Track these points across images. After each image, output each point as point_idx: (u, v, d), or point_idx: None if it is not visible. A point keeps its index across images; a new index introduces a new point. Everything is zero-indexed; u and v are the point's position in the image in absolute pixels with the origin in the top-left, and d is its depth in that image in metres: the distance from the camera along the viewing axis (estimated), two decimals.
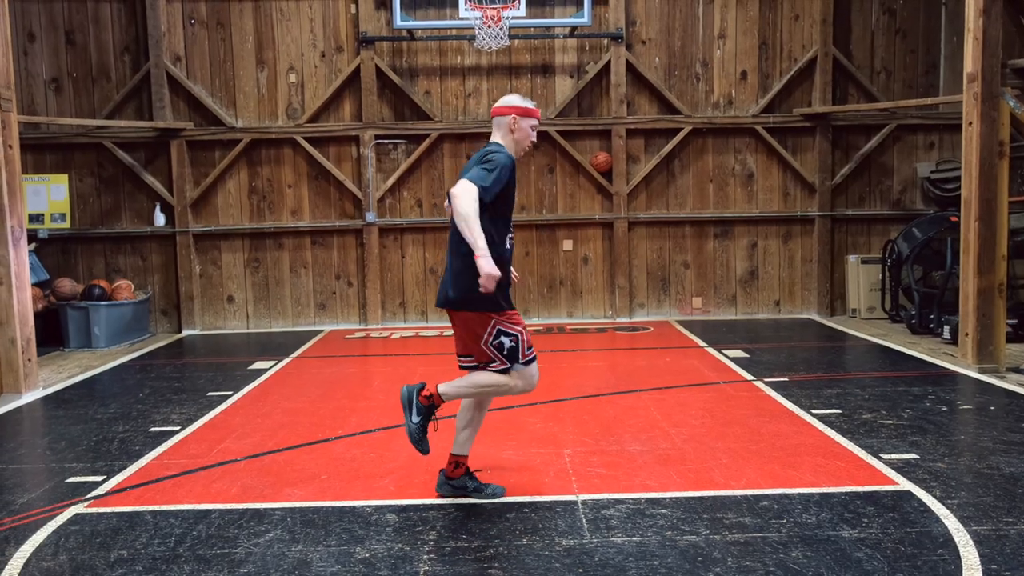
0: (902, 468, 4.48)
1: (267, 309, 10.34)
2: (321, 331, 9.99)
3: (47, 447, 5.36)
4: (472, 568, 3.37)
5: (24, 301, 6.90)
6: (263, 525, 3.88)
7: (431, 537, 3.69)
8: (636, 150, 10.30)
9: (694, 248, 10.44)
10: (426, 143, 10.06)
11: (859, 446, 4.89)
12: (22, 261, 6.90)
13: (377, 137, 10.09)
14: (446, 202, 3.96)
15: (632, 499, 4.10)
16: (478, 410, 4.20)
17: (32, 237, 10.10)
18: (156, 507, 4.15)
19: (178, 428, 5.68)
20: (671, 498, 4.11)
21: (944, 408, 5.75)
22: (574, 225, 10.36)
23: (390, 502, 4.15)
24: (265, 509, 4.09)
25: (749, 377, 6.88)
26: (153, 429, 5.69)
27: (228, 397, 6.57)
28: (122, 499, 4.29)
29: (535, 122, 4.09)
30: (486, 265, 3.60)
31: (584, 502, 4.08)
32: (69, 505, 4.21)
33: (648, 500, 4.09)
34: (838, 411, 5.72)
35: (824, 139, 10.24)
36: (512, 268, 4.15)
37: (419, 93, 10.17)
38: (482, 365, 4.03)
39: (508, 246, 4.02)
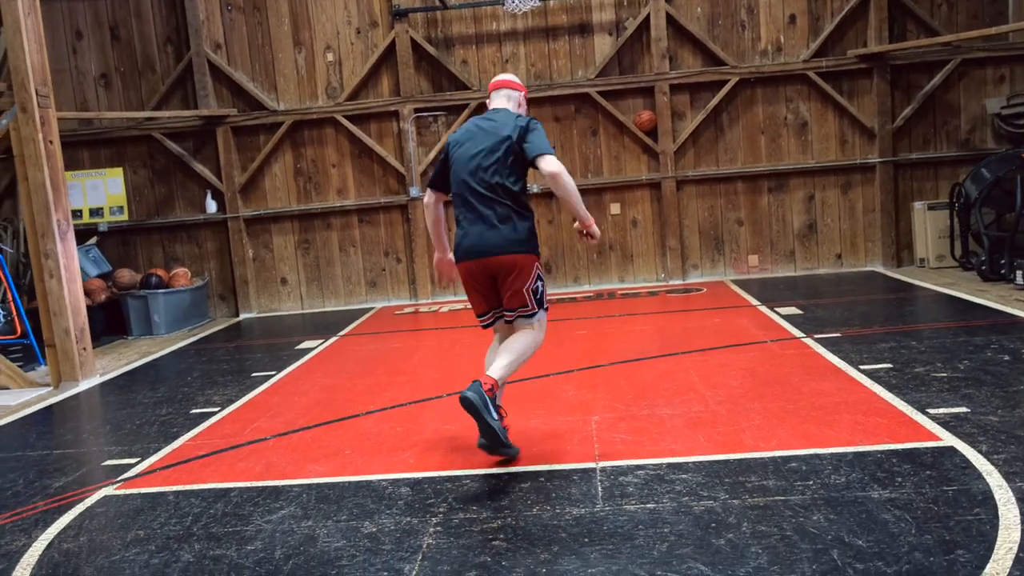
0: (949, 423, 4.20)
1: (319, 289, 10.45)
2: (372, 308, 10.05)
3: (93, 432, 5.52)
4: (476, 540, 3.29)
5: (75, 293, 7.11)
6: (279, 502, 3.88)
7: (441, 510, 3.63)
8: (681, 106, 9.96)
9: (747, 204, 10.07)
10: (465, 113, 9.94)
11: (905, 401, 4.61)
12: (70, 254, 7.09)
13: (416, 110, 10.02)
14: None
15: (653, 465, 3.96)
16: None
17: (93, 231, 10.45)
18: (180, 487, 4.21)
19: (217, 409, 5.76)
20: (694, 462, 3.94)
21: (1006, 358, 5.38)
22: (621, 188, 10.11)
23: (406, 475, 4.10)
24: (283, 486, 4.10)
25: (799, 334, 6.59)
26: (194, 411, 5.79)
27: (271, 377, 6.65)
28: (150, 480, 4.37)
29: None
30: (596, 230, 4.37)
31: (603, 469, 3.95)
32: (100, 487, 4.30)
33: (669, 465, 3.93)
34: (888, 366, 5.42)
35: (882, 80, 9.69)
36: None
37: (456, 63, 10.04)
38: (502, 316, 4.21)
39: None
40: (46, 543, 3.62)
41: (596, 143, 10.09)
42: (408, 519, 3.56)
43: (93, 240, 10.45)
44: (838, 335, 6.46)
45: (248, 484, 4.16)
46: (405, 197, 10.16)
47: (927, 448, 3.88)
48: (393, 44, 9.93)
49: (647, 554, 3.05)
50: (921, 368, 5.29)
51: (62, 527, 3.80)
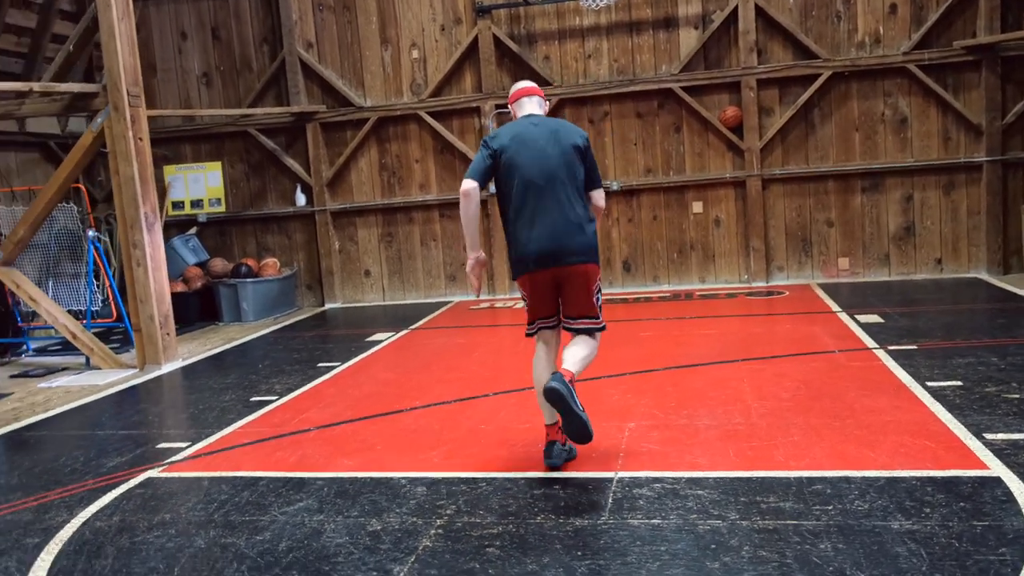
0: (1004, 450, 3.89)
1: (401, 281, 10.66)
2: (450, 302, 10.18)
3: (159, 414, 5.83)
4: (471, 546, 3.29)
5: (160, 281, 7.51)
6: (300, 494, 3.99)
7: (448, 512, 3.64)
8: (770, 101, 9.60)
9: (839, 204, 9.61)
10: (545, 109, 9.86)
11: (963, 423, 4.30)
12: (156, 244, 7.49)
13: (497, 107, 10.04)
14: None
15: (671, 478, 3.84)
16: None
17: (193, 221, 11.01)
18: (216, 473, 4.39)
19: (275, 398, 5.97)
20: (714, 478, 3.80)
21: None
22: (704, 186, 9.84)
23: (426, 474, 4.14)
24: (308, 479, 4.21)
25: (872, 345, 6.25)
26: (254, 399, 6.02)
27: (334, 368, 6.83)
28: (192, 465, 4.58)
29: None
30: None
31: (620, 480, 3.87)
32: (147, 469, 4.54)
33: (689, 480, 3.81)
34: (958, 383, 5.06)
35: (992, 74, 9.04)
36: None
37: (538, 59, 10.01)
38: (561, 325, 4.09)
39: None
40: (83, 520, 3.86)
41: (679, 140, 9.85)
42: (414, 519, 3.59)
43: (193, 230, 11.01)
44: (914, 347, 6.08)
45: (277, 474, 4.30)
46: (485, 193, 10.18)
47: (969, 477, 3.61)
48: (476, 41, 9.99)
49: (634, 572, 2.97)
50: (993, 388, 4.92)
51: (102, 506, 4.04)
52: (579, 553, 3.15)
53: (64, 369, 7.72)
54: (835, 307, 7.93)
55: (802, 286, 9.38)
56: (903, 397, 4.86)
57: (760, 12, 9.40)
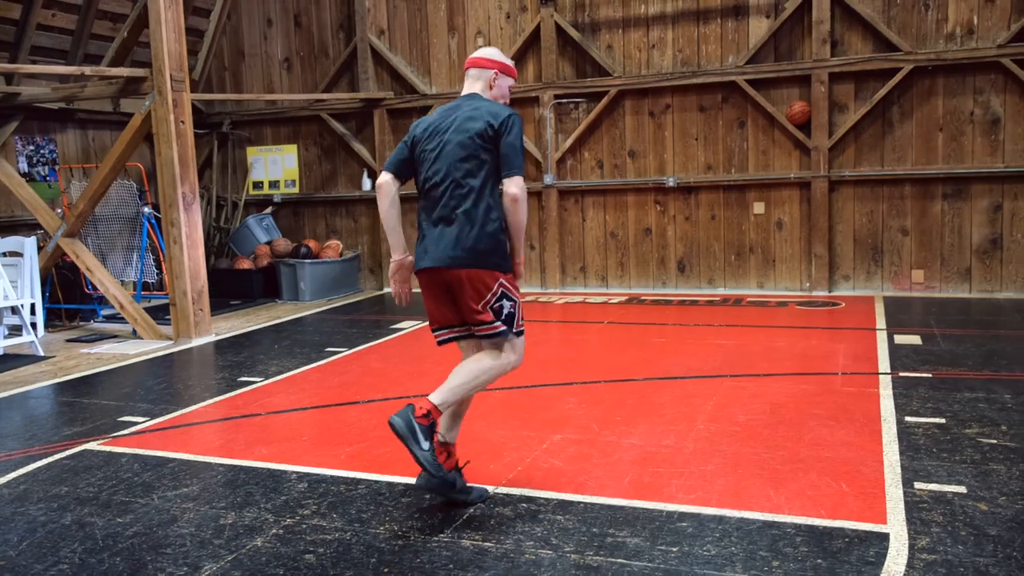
0: (920, 503, 3.43)
1: None
2: None
3: (149, 388, 6.13)
4: (295, 550, 3.25)
5: (196, 259, 7.88)
6: (193, 480, 4.08)
7: (305, 512, 3.61)
8: (843, 97, 8.88)
9: (916, 211, 8.79)
10: (604, 100, 9.61)
11: (905, 467, 3.83)
12: (194, 223, 7.86)
13: (556, 97, 9.85)
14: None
15: (544, 499, 3.64)
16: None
17: (270, 201, 11.49)
18: (141, 451, 4.56)
19: (260, 380, 6.14)
20: (586, 503, 3.57)
21: None
22: (767, 185, 9.26)
23: (319, 470, 4.13)
24: (214, 464, 4.30)
25: (883, 370, 5.68)
26: (242, 378, 6.22)
27: (337, 354, 6.95)
28: (129, 441, 4.78)
29: (512, 82, 3.84)
30: (523, 271, 3.71)
31: (493, 496, 3.70)
32: (90, 441, 4.79)
33: (558, 503, 3.59)
34: (940, 420, 4.52)
35: None
36: None
37: (600, 48, 9.72)
38: (467, 333, 3.68)
39: None
40: None
41: (743, 136, 9.31)
42: (268, 516, 3.59)
43: (269, 210, 11.50)
44: (928, 375, 5.48)
45: (190, 457, 4.42)
46: (540, 184, 10.06)
47: (855, 530, 3.20)
48: (538, 29, 9.81)
49: None
50: (975, 429, 4.35)
51: (21, 474, 4.28)
52: (384, 570, 3.04)
53: (113, 337, 8.27)
54: (881, 324, 7.27)
55: (865, 298, 8.66)
56: (865, 432, 4.38)
57: (837, 0, 8.69)
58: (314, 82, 11.12)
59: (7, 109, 9.12)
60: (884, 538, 3.13)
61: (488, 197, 3.52)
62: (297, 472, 4.13)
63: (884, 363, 5.87)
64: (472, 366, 3.56)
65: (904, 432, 4.34)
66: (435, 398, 3.45)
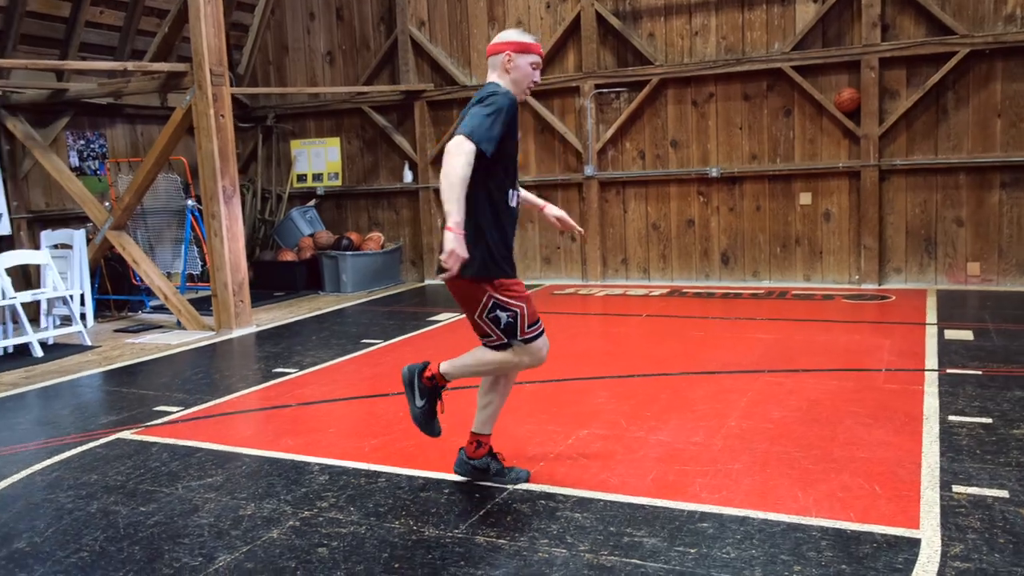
0: (956, 508, 3.27)
1: None
2: (540, 285, 10.04)
3: (186, 377, 6.21)
4: (309, 543, 3.24)
5: (236, 251, 7.97)
6: (219, 470, 4.11)
7: (323, 504, 3.60)
8: (895, 83, 8.58)
9: (972, 201, 8.45)
10: (646, 90, 9.44)
11: (944, 469, 3.67)
12: (234, 216, 7.95)
13: (597, 86, 9.72)
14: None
15: (563, 496, 3.57)
16: (498, 385, 3.74)
17: (313, 193, 11.59)
18: (172, 440, 4.61)
19: (294, 371, 6.18)
20: (605, 501, 3.49)
21: None
22: (814, 175, 9.01)
23: (342, 463, 4.13)
24: (241, 454, 4.32)
25: (930, 366, 5.47)
26: (277, 369, 6.27)
27: (372, 346, 6.96)
28: (161, 430, 4.84)
29: (535, 58, 3.50)
30: (452, 239, 3.10)
31: (512, 492, 3.65)
32: (123, 430, 4.86)
33: (577, 500, 3.52)
34: (986, 420, 4.32)
35: None
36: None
37: (642, 36, 9.55)
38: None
39: (514, 203, 3.51)
40: (29, 472, 4.19)
41: (788, 124, 9.06)
42: (287, 508, 3.59)
43: (312, 202, 11.60)
44: (978, 372, 5.26)
45: (218, 447, 4.45)
46: (580, 176, 9.94)
47: (885, 535, 3.06)
48: (578, 18, 9.69)
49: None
50: (1023, 430, 4.15)
51: (56, 461, 4.37)
52: (395, 566, 3.01)
53: (159, 327, 8.43)
54: (932, 319, 7.01)
55: (917, 292, 8.37)
56: (905, 431, 4.21)
57: None
58: (356, 75, 11.16)
59: (58, 105, 9.34)
60: (915, 544, 2.99)
61: (471, 201, 3.29)
62: (320, 464, 4.12)
63: (931, 359, 5.65)
64: (479, 354, 3.57)
65: (946, 432, 4.16)
66: (443, 367, 3.60)
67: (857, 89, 8.62)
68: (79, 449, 4.54)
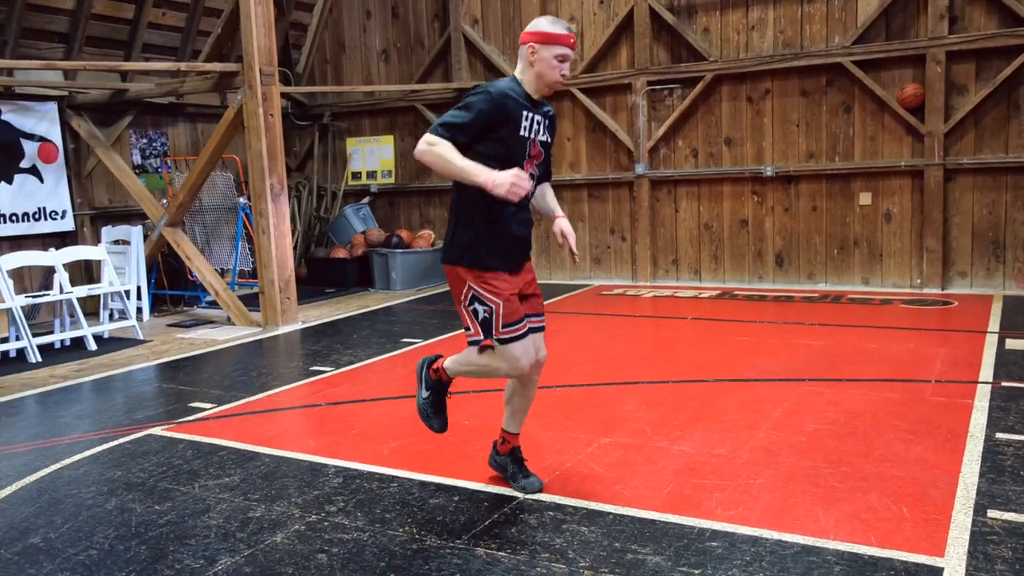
0: (988, 535, 3.06)
1: (548, 261, 10.56)
2: (588, 285, 9.92)
3: (226, 374, 6.31)
4: (311, 549, 3.22)
5: (283, 249, 8.07)
6: (237, 469, 4.14)
7: (332, 508, 3.59)
8: (962, 77, 8.17)
9: None
10: (699, 86, 9.22)
11: (980, 493, 3.44)
12: (281, 214, 8.05)
13: (649, 83, 9.53)
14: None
15: (572, 507, 3.48)
16: (517, 385, 3.66)
17: (366, 191, 11.69)
18: (199, 438, 4.67)
19: (329, 370, 6.22)
20: (615, 515, 3.38)
21: None
22: (874, 174, 8.65)
23: (358, 465, 4.11)
24: (261, 454, 4.35)
25: (983, 378, 5.17)
26: (314, 367, 6.32)
27: (411, 344, 6.96)
28: (191, 427, 4.91)
29: (563, 50, 3.29)
30: (488, 181, 3.05)
31: (522, 502, 3.57)
32: (156, 426, 4.95)
33: (587, 512, 3.42)
34: None
35: None
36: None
37: (696, 31, 9.32)
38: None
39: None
40: (58, 467, 4.30)
41: (848, 121, 8.72)
42: (295, 511, 3.58)
43: (366, 200, 11.70)
44: None
45: (241, 446, 4.49)
46: (631, 174, 9.77)
47: (905, 562, 2.88)
48: (631, 13, 9.51)
49: None
50: None
51: (84, 456, 4.47)
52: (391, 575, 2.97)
53: (210, 323, 8.60)
54: (994, 327, 6.65)
55: (982, 297, 7.97)
56: (945, 448, 3.98)
57: None
58: (410, 72, 11.20)
59: (121, 105, 9.62)
60: (937, 573, 2.80)
61: (461, 188, 3.32)
62: (336, 466, 4.12)
63: (987, 370, 5.35)
64: (467, 354, 3.51)
65: (990, 451, 3.91)
66: (447, 361, 3.62)
67: (921, 84, 8.25)
68: (110, 444, 4.64)
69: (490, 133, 3.24)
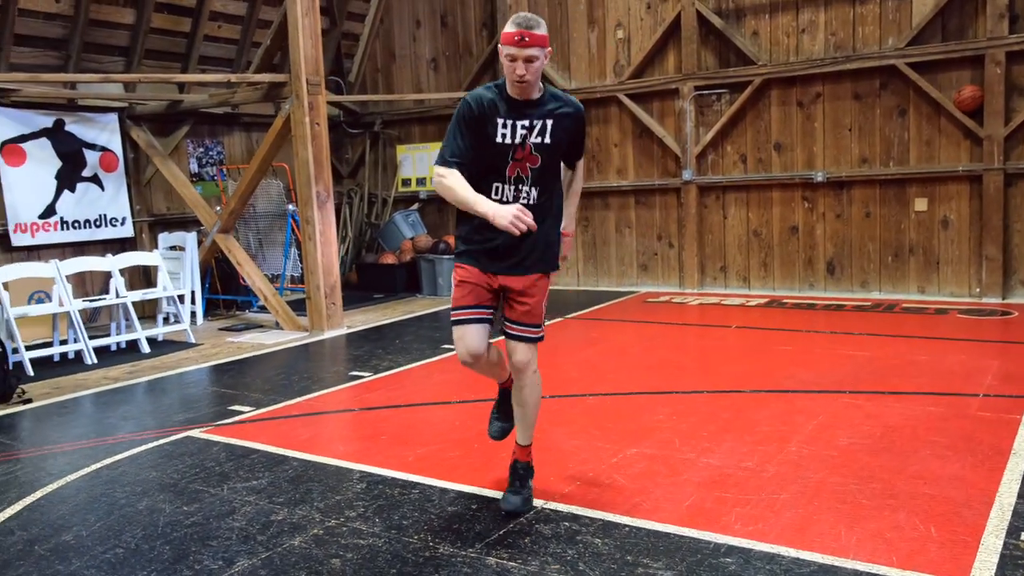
0: (1016, 558, 2.93)
1: (594, 268, 10.52)
2: (635, 292, 9.84)
3: (269, 378, 6.44)
4: (326, 553, 3.26)
5: (329, 255, 8.21)
6: (267, 472, 4.22)
7: (352, 514, 3.63)
8: (1023, 79, 7.87)
9: None
10: (747, 91, 9.07)
11: (1016, 514, 3.30)
12: (328, 221, 8.19)
13: (696, 88, 9.42)
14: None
15: (589, 518, 3.45)
16: (515, 388, 3.69)
17: (415, 198, 11.82)
18: (234, 440, 4.78)
19: (368, 375, 6.30)
20: (630, 527, 3.34)
21: None
22: (930, 180, 8.39)
23: (383, 471, 4.15)
24: (292, 457, 4.42)
25: None
26: (353, 372, 6.41)
27: (450, 351, 6.98)
28: (228, 430, 5.03)
29: (510, 50, 3.17)
30: (490, 212, 3.12)
31: (540, 511, 3.56)
32: (195, 428, 5.08)
33: (602, 524, 3.39)
34: None
35: None
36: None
37: (745, 35, 9.18)
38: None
39: (497, 197, 3.35)
40: (96, 468, 4.44)
41: (903, 125, 8.47)
42: (316, 515, 3.63)
43: (415, 206, 11.82)
44: None
45: (273, 450, 4.57)
46: (679, 181, 9.67)
47: None
48: (679, 18, 9.42)
49: None
50: None
51: (123, 457, 4.61)
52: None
53: (259, 327, 8.80)
54: None
55: None
56: (984, 467, 3.83)
57: None
58: (459, 80, 11.29)
59: (178, 115, 9.91)
60: None
61: None
62: (361, 471, 4.16)
63: None
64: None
65: None
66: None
67: (980, 86, 7.97)
68: (150, 445, 4.78)
69: (472, 138, 3.27)
